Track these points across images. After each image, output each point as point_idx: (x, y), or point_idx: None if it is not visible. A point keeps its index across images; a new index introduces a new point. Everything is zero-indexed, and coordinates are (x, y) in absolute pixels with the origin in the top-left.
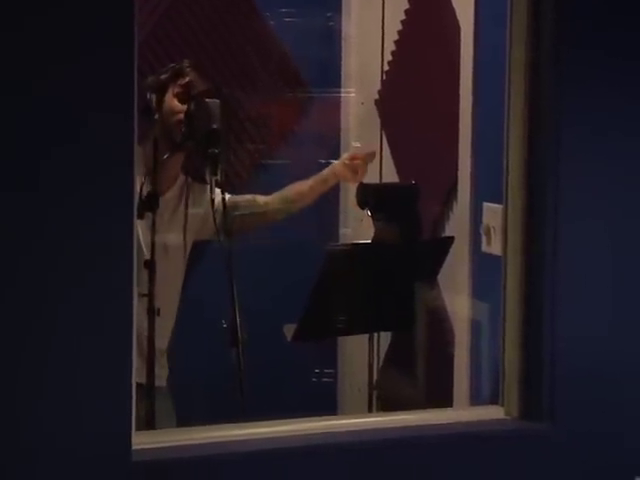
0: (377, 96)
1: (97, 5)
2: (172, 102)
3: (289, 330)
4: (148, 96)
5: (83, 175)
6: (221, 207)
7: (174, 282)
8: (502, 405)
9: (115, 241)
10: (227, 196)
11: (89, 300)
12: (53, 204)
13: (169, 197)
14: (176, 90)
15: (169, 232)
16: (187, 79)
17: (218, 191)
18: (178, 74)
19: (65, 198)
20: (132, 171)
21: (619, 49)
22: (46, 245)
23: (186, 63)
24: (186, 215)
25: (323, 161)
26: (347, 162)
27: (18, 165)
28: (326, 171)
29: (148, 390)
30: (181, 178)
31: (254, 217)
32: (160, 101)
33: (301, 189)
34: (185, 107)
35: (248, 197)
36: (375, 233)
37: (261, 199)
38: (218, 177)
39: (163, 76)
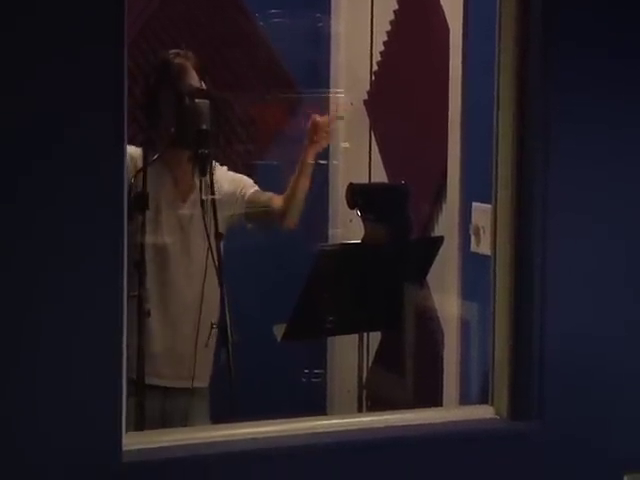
0: (366, 96)
1: (87, 4)
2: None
3: (279, 330)
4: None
5: (72, 175)
6: (211, 208)
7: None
8: (492, 404)
9: (104, 241)
10: (252, 189)
11: (78, 301)
12: (39, 205)
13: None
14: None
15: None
16: (176, 67)
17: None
18: (166, 64)
19: (53, 198)
20: (122, 171)
21: (608, 51)
22: (33, 245)
23: (172, 54)
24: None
25: (312, 161)
26: (314, 139)
27: (3, 165)
28: (302, 158)
29: (139, 387)
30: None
31: (269, 216)
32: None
33: (294, 184)
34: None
35: (268, 196)
36: (365, 233)
37: (277, 202)
38: (207, 178)
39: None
